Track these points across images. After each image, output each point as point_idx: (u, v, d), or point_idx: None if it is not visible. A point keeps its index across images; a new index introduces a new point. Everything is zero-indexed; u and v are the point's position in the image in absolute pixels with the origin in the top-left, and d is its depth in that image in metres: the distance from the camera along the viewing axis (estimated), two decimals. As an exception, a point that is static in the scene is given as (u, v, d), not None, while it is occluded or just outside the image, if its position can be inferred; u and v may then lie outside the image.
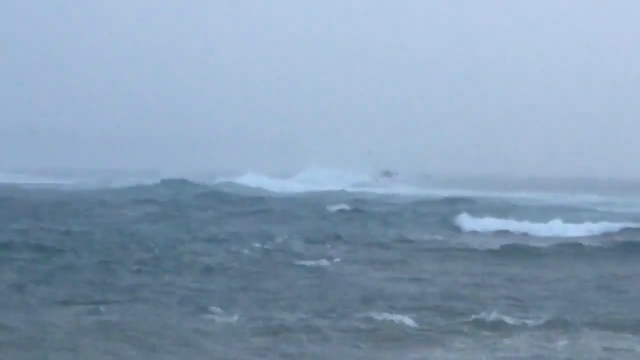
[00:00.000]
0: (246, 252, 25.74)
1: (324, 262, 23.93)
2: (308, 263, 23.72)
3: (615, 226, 35.40)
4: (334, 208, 44.76)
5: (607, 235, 33.55)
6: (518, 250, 27.71)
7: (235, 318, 15.69)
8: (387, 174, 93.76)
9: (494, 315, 16.21)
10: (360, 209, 44.51)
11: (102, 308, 16.41)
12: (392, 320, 15.46)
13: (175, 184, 66.67)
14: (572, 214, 43.43)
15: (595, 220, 38.10)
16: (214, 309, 16.47)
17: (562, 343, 14.16)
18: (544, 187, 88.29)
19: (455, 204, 48.68)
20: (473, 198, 56.19)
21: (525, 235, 34.01)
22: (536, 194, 73.62)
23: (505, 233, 34.44)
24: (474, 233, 34.34)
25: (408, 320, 15.48)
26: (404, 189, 77.02)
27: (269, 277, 21.07)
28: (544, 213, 42.05)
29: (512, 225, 36.06)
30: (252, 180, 79.57)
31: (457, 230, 35.38)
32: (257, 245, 27.45)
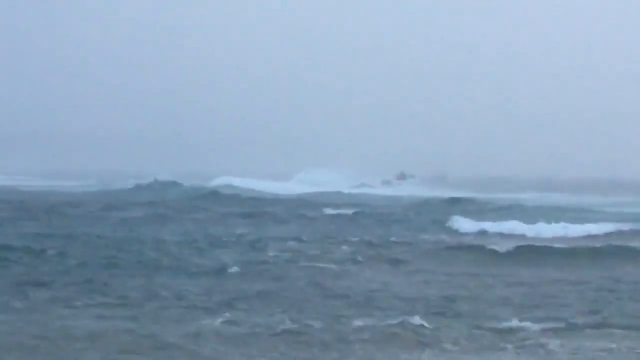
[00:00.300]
0: (249, 253, 25.70)
1: (330, 264, 23.91)
2: (312, 264, 23.67)
3: (620, 226, 35.36)
4: (334, 209, 44.68)
5: (611, 235, 33.46)
6: (520, 251, 27.64)
7: (241, 320, 15.59)
8: (401, 176, 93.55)
9: (500, 317, 16.20)
10: (360, 211, 44.43)
11: (106, 312, 16.31)
12: (406, 322, 15.32)
13: (173, 186, 66.73)
14: (578, 214, 43.61)
15: (603, 220, 38.13)
16: (219, 312, 16.40)
17: (568, 345, 14.07)
18: (557, 187, 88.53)
19: (458, 205, 48.75)
20: (478, 199, 56.34)
21: (523, 235, 33.93)
22: (547, 194, 73.71)
23: (503, 234, 34.28)
24: (471, 234, 34.18)
25: (420, 322, 15.36)
26: (411, 191, 76.82)
27: (274, 279, 21.01)
28: (549, 213, 42.16)
29: (511, 226, 35.91)
30: (250, 181, 79.61)
31: (454, 231, 35.19)
32: (259, 247, 27.41)
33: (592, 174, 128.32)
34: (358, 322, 15.50)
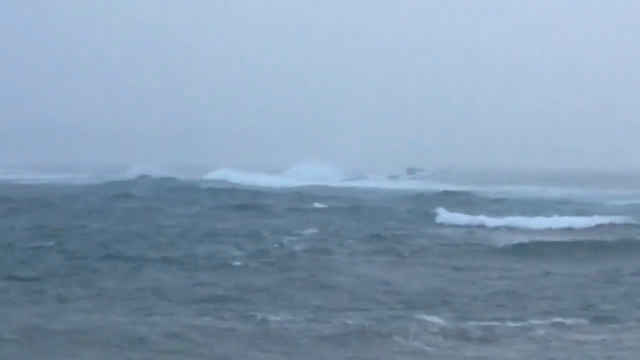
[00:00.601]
0: (249, 247, 25.75)
1: (335, 257, 24.18)
2: (312, 257, 23.85)
3: (613, 219, 35.41)
4: (327, 203, 44.78)
5: (605, 228, 33.44)
6: (512, 244, 27.62)
7: (239, 316, 15.56)
8: (410, 170, 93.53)
9: (496, 312, 16.33)
10: (355, 205, 44.52)
11: (101, 306, 16.34)
12: (399, 316, 15.34)
13: (167, 179, 66.57)
14: (574, 207, 43.85)
15: (598, 213, 38.21)
16: (222, 305, 16.48)
17: (564, 338, 14.13)
18: (560, 180, 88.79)
19: (454, 198, 48.77)
20: (477, 192, 56.58)
21: (515, 228, 33.93)
22: (548, 187, 73.77)
23: (478, 227, 34.16)
24: (460, 227, 34.15)
25: (418, 316, 15.37)
26: (415, 184, 76.72)
27: (274, 273, 21.12)
28: (544, 206, 42.58)
29: (486, 220, 35.83)
30: (248, 175, 79.56)
31: (436, 224, 35.12)
32: (257, 240, 27.56)
33: (602, 167, 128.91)
34: (355, 316, 15.50)
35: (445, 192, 53.51)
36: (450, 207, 39.35)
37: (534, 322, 15.31)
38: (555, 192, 66.30)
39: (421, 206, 43.45)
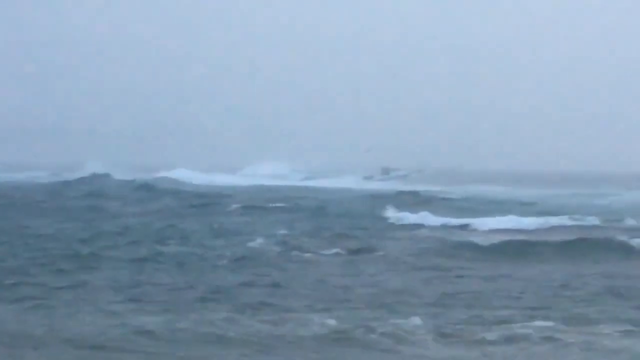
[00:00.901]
0: (209, 247, 25.84)
1: (310, 256, 24.46)
2: (271, 257, 24.05)
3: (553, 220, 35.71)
4: (281, 202, 44.90)
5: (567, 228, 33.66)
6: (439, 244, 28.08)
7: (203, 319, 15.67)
8: (385, 170, 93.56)
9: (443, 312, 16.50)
10: (301, 204, 44.72)
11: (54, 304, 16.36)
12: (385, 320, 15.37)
13: (117, 178, 66.16)
14: (524, 207, 44.10)
15: (562, 214, 38.43)
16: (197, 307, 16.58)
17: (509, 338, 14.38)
18: (531, 181, 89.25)
19: (406, 198, 48.93)
20: (436, 191, 57.04)
21: (464, 227, 34.14)
22: (513, 188, 74.13)
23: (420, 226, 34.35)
24: (401, 226, 34.36)
25: (399, 320, 15.37)
26: (373, 185, 76.80)
27: (236, 271, 21.24)
28: (496, 207, 42.85)
29: (428, 218, 36.13)
30: (196, 174, 79.35)
31: (386, 224, 35.29)
32: (215, 240, 27.61)
33: (580, 168, 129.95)
34: (322, 317, 15.55)
35: (402, 192, 53.52)
36: (404, 207, 39.45)
37: (494, 324, 15.37)
38: (523, 193, 66.41)
39: (373, 206, 43.42)
